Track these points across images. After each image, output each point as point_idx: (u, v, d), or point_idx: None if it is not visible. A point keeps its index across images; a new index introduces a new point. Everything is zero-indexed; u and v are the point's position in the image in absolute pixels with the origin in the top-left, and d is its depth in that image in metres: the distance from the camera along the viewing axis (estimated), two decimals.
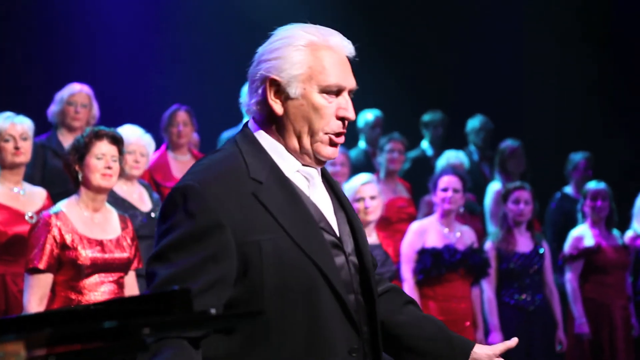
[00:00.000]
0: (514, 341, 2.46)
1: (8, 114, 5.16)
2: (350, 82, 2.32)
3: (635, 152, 9.40)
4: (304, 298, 2.20)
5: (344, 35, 2.38)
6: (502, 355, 2.46)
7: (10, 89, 7.52)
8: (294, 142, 2.29)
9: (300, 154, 2.31)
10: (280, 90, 2.27)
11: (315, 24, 2.36)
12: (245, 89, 2.44)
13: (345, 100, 2.30)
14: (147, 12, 8.54)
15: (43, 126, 6.13)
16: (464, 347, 2.44)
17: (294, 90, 2.26)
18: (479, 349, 2.44)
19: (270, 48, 2.30)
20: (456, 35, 9.66)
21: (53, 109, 6.17)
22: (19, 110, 5.26)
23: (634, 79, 9.48)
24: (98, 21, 8.26)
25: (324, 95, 2.28)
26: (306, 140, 2.29)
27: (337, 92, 2.29)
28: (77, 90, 6.15)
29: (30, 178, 5.54)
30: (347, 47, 2.33)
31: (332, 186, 2.42)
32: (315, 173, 2.35)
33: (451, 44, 9.61)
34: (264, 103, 2.29)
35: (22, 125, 5.11)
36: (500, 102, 9.21)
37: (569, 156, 8.04)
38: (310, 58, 2.27)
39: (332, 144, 2.31)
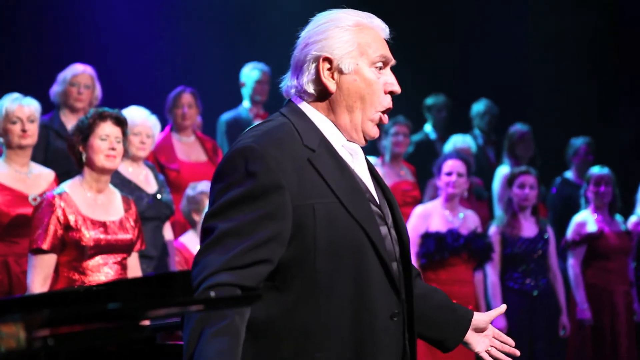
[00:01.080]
0: (503, 307, 2.71)
1: (16, 95, 5.13)
2: (392, 58, 2.46)
3: (637, 137, 9.38)
4: (352, 262, 2.29)
5: None
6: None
7: (12, 69, 7.50)
8: (345, 118, 2.40)
9: (349, 129, 2.40)
10: (332, 68, 2.38)
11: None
12: (288, 75, 2.48)
13: (390, 75, 2.44)
14: None
15: (45, 107, 6.12)
16: (466, 315, 2.64)
17: (346, 66, 2.37)
18: (477, 316, 2.65)
19: (318, 30, 2.40)
20: (461, 19, 9.62)
21: (56, 90, 6.15)
22: (21, 90, 5.24)
23: (636, 63, 9.45)
24: (102, 1, 8.24)
25: (373, 69, 2.40)
26: (357, 116, 2.40)
27: (384, 65, 2.42)
28: (80, 71, 6.14)
29: (33, 159, 5.54)
30: (385, 30, 2.47)
31: (369, 165, 2.51)
32: (358, 149, 2.44)
33: (456, 28, 9.58)
34: (316, 82, 2.39)
35: (29, 107, 5.09)
36: (504, 87, 9.19)
37: (569, 141, 8.03)
38: (359, 36, 2.39)
39: (379, 123, 2.44)
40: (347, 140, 2.42)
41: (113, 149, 4.39)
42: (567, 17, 9.54)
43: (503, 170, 7.44)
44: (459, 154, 6.47)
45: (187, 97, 6.63)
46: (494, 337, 2.66)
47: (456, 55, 9.54)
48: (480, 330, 2.65)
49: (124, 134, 4.48)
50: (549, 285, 6.54)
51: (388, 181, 6.92)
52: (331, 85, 2.38)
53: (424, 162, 7.65)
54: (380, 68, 2.42)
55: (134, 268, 4.60)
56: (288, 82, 2.44)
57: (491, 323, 6.17)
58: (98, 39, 8.02)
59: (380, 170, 5.72)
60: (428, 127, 8.45)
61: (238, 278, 2.17)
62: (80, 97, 6.09)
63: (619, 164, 8.01)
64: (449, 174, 6.12)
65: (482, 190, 7.50)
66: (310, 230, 2.26)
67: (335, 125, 2.41)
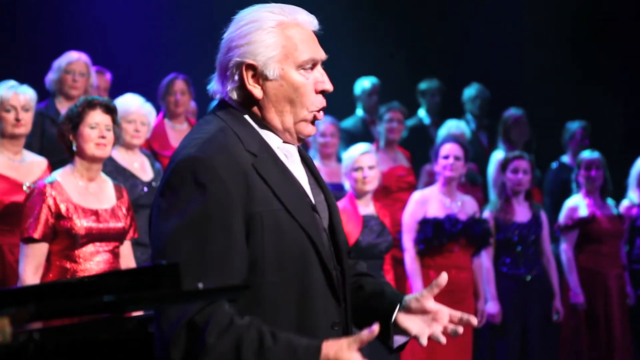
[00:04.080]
0: (442, 278, 2.43)
1: (12, 83, 5.11)
2: (322, 54, 2.35)
3: (631, 121, 9.38)
4: (298, 271, 2.24)
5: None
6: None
7: (8, 57, 7.48)
8: (276, 122, 2.32)
9: (281, 131, 2.33)
10: (257, 74, 2.29)
11: None
12: (214, 78, 2.39)
13: (320, 73, 2.34)
14: None
15: (41, 94, 6.11)
16: (393, 297, 2.44)
17: (271, 72, 2.28)
18: (408, 297, 2.44)
19: (240, 33, 2.30)
20: (454, 3, 9.60)
21: (51, 77, 6.15)
22: (16, 78, 5.22)
23: (635, 51, 9.44)
24: None
25: (301, 71, 2.30)
26: (289, 119, 2.32)
27: (312, 66, 2.32)
28: (75, 59, 6.13)
29: (28, 146, 5.53)
30: (312, 23, 2.36)
31: (307, 162, 2.45)
32: (293, 150, 2.38)
33: (448, 12, 9.56)
34: (241, 89, 2.31)
35: (24, 95, 5.07)
36: (497, 71, 9.18)
37: (565, 125, 8.03)
38: (282, 37, 2.29)
39: (313, 121, 2.35)
40: (283, 142, 2.35)
41: (103, 137, 4.37)
42: (563, 1, 9.53)
43: (498, 155, 7.43)
44: (456, 138, 6.46)
45: (179, 84, 6.63)
46: (436, 318, 2.41)
47: (450, 39, 9.52)
48: (416, 311, 2.41)
49: (114, 121, 4.46)
50: (542, 270, 6.55)
51: (383, 167, 6.92)
52: (257, 92, 2.30)
53: (417, 146, 7.65)
54: (310, 68, 2.32)
55: (127, 256, 4.59)
56: (215, 86, 2.37)
57: (487, 308, 6.13)
58: (93, 26, 8.00)
59: (375, 156, 5.71)
60: (422, 112, 8.44)
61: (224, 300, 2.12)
62: (75, 85, 6.09)
63: (616, 148, 8.01)
64: (446, 157, 6.10)
65: (476, 175, 7.49)
66: (258, 239, 2.20)
67: (269, 128, 2.33)
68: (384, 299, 2.44)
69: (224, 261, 2.14)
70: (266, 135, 2.33)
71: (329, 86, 2.34)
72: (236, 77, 2.30)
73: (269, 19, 2.30)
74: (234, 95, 2.32)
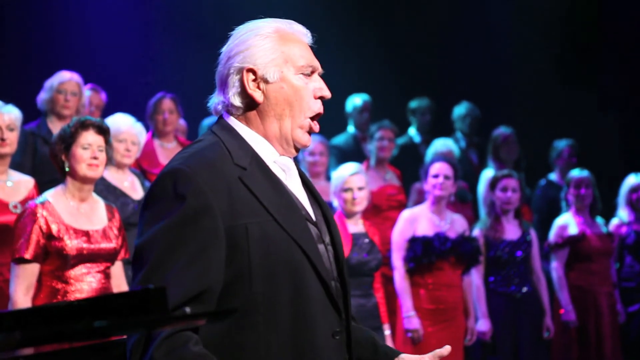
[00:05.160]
0: (446, 349, 2.41)
1: None
2: (319, 65, 2.41)
3: (620, 139, 9.43)
4: (290, 281, 2.24)
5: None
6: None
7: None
8: (274, 128, 2.36)
9: (279, 139, 2.36)
10: (257, 78, 2.34)
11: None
12: (214, 94, 2.44)
13: (319, 80, 2.39)
14: (133, 1, 8.53)
15: (32, 114, 6.13)
16: (388, 353, 2.45)
17: (271, 75, 2.33)
18: (406, 357, 2.43)
19: (238, 42, 2.36)
20: (445, 22, 9.65)
21: (43, 97, 6.16)
22: (7, 97, 5.23)
23: (622, 69, 9.50)
24: (86, 10, 8.24)
25: (300, 76, 2.35)
26: (287, 124, 2.35)
27: (311, 73, 2.38)
28: (67, 79, 6.15)
29: (20, 166, 5.53)
30: (307, 35, 2.42)
31: (303, 179, 2.47)
32: (291, 164, 2.40)
33: (440, 31, 9.61)
34: (242, 94, 2.35)
35: (9, 115, 5.07)
36: (488, 90, 9.22)
37: (552, 143, 8.07)
38: (280, 42, 2.35)
39: (309, 131, 2.39)
40: (280, 154, 2.38)
41: (95, 157, 4.38)
42: (551, 20, 9.58)
43: (488, 174, 7.44)
44: (446, 157, 6.49)
45: (167, 103, 6.65)
46: None
47: (440, 58, 9.57)
48: None
49: (107, 142, 4.47)
50: (532, 288, 6.57)
51: (373, 185, 6.94)
52: (258, 96, 2.34)
53: (408, 165, 7.67)
54: (308, 75, 2.37)
55: (118, 277, 4.58)
56: (215, 99, 2.40)
57: (478, 326, 6.13)
58: (82, 46, 8.02)
59: (364, 177, 5.73)
60: (412, 131, 8.47)
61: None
62: (67, 105, 6.10)
63: (601, 166, 8.05)
64: (436, 176, 6.13)
65: (466, 192, 7.52)
66: (244, 251, 2.21)
67: (266, 139, 2.36)
68: (377, 352, 2.45)
69: (193, 266, 2.15)
70: (263, 148, 2.35)
71: (327, 92, 2.39)
72: (237, 83, 2.35)
73: (266, 27, 2.37)
74: (235, 102, 2.35)
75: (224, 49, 2.39)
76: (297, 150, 2.40)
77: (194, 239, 2.17)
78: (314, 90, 2.37)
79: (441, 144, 7.46)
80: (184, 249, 2.16)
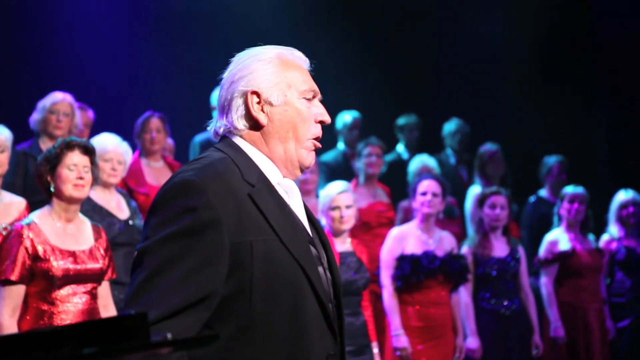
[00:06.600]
0: None
1: None
2: (319, 91, 2.46)
3: (610, 156, 9.45)
4: (290, 301, 2.26)
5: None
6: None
7: None
8: (279, 150, 2.39)
9: (284, 161, 2.40)
10: (261, 101, 2.37)
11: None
12: (215, 118, 2.47)
13: (319, 105, 2.44)
14: (121, 20, 8.54)
15: (25, 134, 6.11)
16: None
17: (275, 98, 2.37)
18: None
19: (241, 67, 2.40)
20: (434, 40, 9.68)
21: (35, 117, 6.15)
22: (0, 118, 5.22)
23: (613, 82, 9.54)
24: (74, 29, 8.24)
25: (302, 100, 2.40)
26: (291, 146, 2.39)
27: (312, 97, 2.43)
28: (60, 99, 6.14)
29: (11, 186, 5.51)
30: (306, 62, 2.48)
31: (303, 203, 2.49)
32: (294, 186, 2.43)
33: (428, 49, 9.64)
34: (247, 117, 2.38)
35: (0, 136, 5.07)
36: (476, 106, 9.25)
37: (542, 160, 8.09)
38: (282, 68, 2.40)
39: (313, 150, 2.43)
40: (283, 176, 2.41)
41: (81, 178, 4.38)
42: (540, 36, 9.62)
43: (475, 190, 7.46)
44: (434, 175, 6.49)
45: (155, 122, 6.64)
46: None
47: (428, 74, 9.59)
48: None
49: (92, 162, 4.47)
50: (521, 305, 6.56)
51: (363, 202, 6.94)
52: (262, 119, 2.37)
53: (396, 182, 7.67)
54: (310, 99, 2.42)
55: (105, 297, 4.57)
56: (217, 123, 2.42)
57: (467, 343, 6.15)
58: (71, 66, 8.02)
59: (352, 195, 5.72)
60: (400, 147, 8.48)
61: (180, 328, 2.13)
62: (59, 125, 6.08)
63: (594, 183, 8.07)
64: (424, 193, 6.13)
65: (453, 207, 7.52)
66: (247, 267, 2.22)
67: (270, 160, 2.39)
68: None
69: (193, 276, 2.17)
70: (267, 168, 2.38)
71: (327, 117, 2.44)
72: (241, 106, 2.38)
73: (268, 52, 2.41)
74: (239, 125, 2.38)
75: (226, 75, 2.42)
76: (301, 170, 2.44)
77: (199, 250, 2.18)
78: (315, 114, 2.41)
79: (419, 161, 7.46)
80: (187, 259, 2.18)
